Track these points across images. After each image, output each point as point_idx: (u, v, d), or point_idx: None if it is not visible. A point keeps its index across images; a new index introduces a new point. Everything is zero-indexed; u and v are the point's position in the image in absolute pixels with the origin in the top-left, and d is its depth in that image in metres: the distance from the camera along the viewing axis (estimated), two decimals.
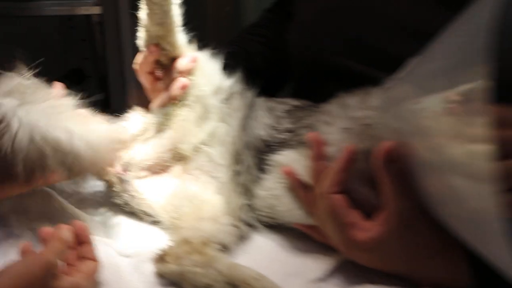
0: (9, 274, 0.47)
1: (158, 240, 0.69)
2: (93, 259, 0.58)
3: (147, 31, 0.74)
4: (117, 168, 0.76)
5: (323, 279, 0.63)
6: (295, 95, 0.85)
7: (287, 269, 0.65)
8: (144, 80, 0.80)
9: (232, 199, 0.70)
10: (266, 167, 0.69)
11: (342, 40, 0.77)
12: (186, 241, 0.62)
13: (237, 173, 0.72)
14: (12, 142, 0.60)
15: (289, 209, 0.66)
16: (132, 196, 0.75)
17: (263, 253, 0.68)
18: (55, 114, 0.65)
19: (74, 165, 0.66)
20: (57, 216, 0.72)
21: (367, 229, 0.55)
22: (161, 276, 0.62)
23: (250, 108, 0.75)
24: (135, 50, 0.78)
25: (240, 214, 0.70)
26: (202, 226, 0.66)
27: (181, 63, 0.75)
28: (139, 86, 0.79)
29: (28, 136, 0.61)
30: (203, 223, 0.67)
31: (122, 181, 0.75)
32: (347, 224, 0.56)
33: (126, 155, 0.77)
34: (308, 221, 0.66)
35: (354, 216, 0.56)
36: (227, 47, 0.80)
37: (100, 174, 0.76)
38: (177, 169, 0.77)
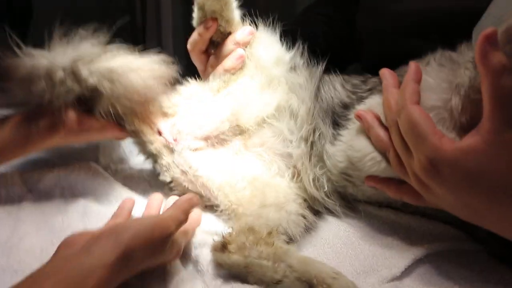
0: (131, 231, 0.48)
1: (213, 225, 0.63)
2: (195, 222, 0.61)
3: (201, 7, 0.69)
4: (166, 135, 0.67)
5: (399, 277, 0.57)
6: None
7: (359, 265, 0.58)
8: (197, 60, 0.76)
9: (301, 178, 0.65)
10: (342, 123, 0.66)
11: (412, 20, 0.74)
12: (250, 229, 0.56)
13: (311, 145, 0.67)
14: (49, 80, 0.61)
15: (364, 155, 0.60)
16: (184, 171, 0.67)
17: (331, 246, 0.61)
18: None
19: (113, 86, 0.63)
20: (103, 193, 0.68)
21: (456, 141, 0.48)
22: (220, 266, 0.56)
23: (320, 80, 0.70)
24: (175, 23, 0.74)
25: (309, 195, 0.65)
26: (265, 213, 0.59)
27: (239, 34, 0.72)
28: (176, 59, 0.73)
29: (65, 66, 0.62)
30: (266, 210, 0.60)
31: (172, 151, 0.67)
32: (431, 132, 0.49)
33: (177, 121, 0.68)
34: (383, 168, 0.59)
35: (438, 130, 0.50)
36: (290, 26, 0.75)
37: (149, 114, 0.68)
38: (236, 144, 0.69)
